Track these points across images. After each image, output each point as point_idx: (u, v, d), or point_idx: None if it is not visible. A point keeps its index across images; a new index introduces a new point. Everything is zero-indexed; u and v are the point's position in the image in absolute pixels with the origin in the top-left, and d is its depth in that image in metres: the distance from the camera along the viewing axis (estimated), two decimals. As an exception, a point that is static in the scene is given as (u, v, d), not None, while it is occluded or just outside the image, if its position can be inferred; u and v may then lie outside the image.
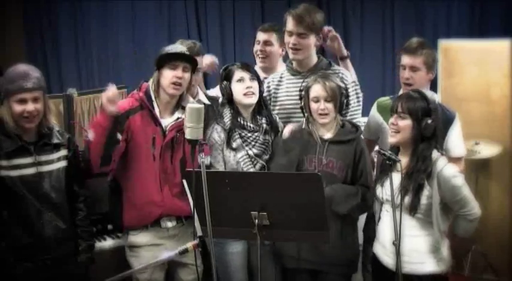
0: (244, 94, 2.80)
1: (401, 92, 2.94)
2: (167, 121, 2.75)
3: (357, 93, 3.04)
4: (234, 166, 2.80)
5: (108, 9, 5.55)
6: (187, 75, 2.71)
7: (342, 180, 2.68)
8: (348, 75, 3.04)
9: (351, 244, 2.76)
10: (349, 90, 2.94)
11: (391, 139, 2.51)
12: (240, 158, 2.80)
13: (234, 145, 2.80)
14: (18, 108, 2.46)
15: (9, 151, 2.48)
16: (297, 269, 2.77)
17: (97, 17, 5.55)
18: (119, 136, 2.65)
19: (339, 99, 2.70)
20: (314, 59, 3.04)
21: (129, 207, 2.74)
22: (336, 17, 5.26)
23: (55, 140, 2.60)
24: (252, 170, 2.81)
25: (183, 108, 2.69)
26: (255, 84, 2.83)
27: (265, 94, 3.03)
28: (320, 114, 2.69)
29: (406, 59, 2.88)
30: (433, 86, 3.11)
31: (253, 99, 2.83)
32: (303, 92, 2.77)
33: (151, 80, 2.76)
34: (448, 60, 3.97)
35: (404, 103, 2.47)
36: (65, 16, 5.55)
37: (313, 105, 2.71)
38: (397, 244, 2.24)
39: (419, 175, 2.43)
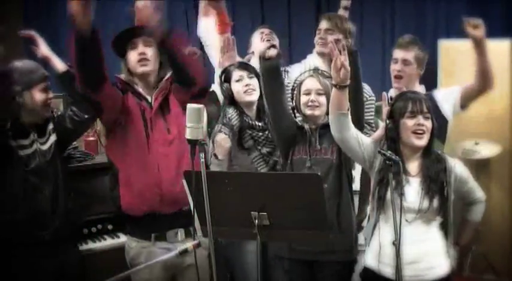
0: (245, 92, 2.83)
1: (392, 92, 2.96)
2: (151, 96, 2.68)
3: (373, 107, 3.12)
4: (248, 167, 2.84)
5: (108, 9, 5.55)
6: (150, 49, 2.64)
7: (338, 164, 2.68)
8: (369, 90, 3.11)
9: (345, 230, 2.71)
10: (372, 102, 3.06)
11: (420, 142, 2.41)
12: (253, 159, 2.83)
13: (246, 145, 2.82)
14: (41, 96, 2.55)
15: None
16: (291, 260, 2.76)
17: (97, 17, 5.55)
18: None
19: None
20: None
21: (125, 190, 2.62)
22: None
23: (50, 126, 2.65)
24: (265, 168, 2.85)
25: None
26: (254, 81, 2.86)
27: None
28: (309, 106, 2.67)
29: (398, 53, 2.98)
30: (433, 86, 3.12)
31: (255, 96, 2.85)
32: (295, 91, 2.76)
33: (123, 76, 2.72)
34: (448, 60, 3.98)
35: (425, 103, 2.42)
36: (65, 16, 5.54)
37: (304, 99, 2.69)
38: (397, 244, 2.21)
39: (441, 175, 2.42)
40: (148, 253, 2.65)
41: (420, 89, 2.96)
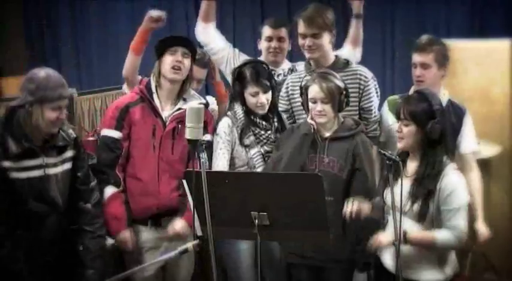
0: (258, 107, 2.83)
1: (411, 90, 2.93)
2: (168, 112, 2.80)
3: (376, 89, 3.04)
4: (246, 161, 2.85)
5: (108, 9, 5.55)
6: (186, 61, 2.77)
7: (345, 179, 2.66)
8: (366, 72, 3.02)
9: (354, 240, 2.71)
10: (370, 86, 2.96)
11: (398, 145, 2.49)
12: (253, 155, 2.84)
13: (247, 142, 2.83)
14: (53, 114, 2.43)
15: (17, 153, 2.42)
16: (300, 264, 2.79)
17: (97, 17, 5.55)
18: (119, 134, 2.73)
19: (338, 99, 2.68)
20: (331, 57, 3.03)
21: (128, 197, 2.77)
22: (336, 15, 5.25)
23: (60, 143, 2.54)
24: (263, 167, 2.84)
25: (185, 99, 2.81)
26: (269, 95, 2.85)
27: (283, 94, 3.06)
28: (316, 114, 2.69)
29: (416, 57, 2.89)
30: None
31: (265, 110, 2.85)
32: (302, 91, 2.77)
33: (152, 72, 2.83)
34: (448, 61, 3.97)
35: (405, 108, 2.43)
36: (65, 16, 5.55)
37: (311, 106, 2.71)
38: (397, 244, 2.22)
39: (428, 181, 2.39)
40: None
41: (444, 94, 2.91)
